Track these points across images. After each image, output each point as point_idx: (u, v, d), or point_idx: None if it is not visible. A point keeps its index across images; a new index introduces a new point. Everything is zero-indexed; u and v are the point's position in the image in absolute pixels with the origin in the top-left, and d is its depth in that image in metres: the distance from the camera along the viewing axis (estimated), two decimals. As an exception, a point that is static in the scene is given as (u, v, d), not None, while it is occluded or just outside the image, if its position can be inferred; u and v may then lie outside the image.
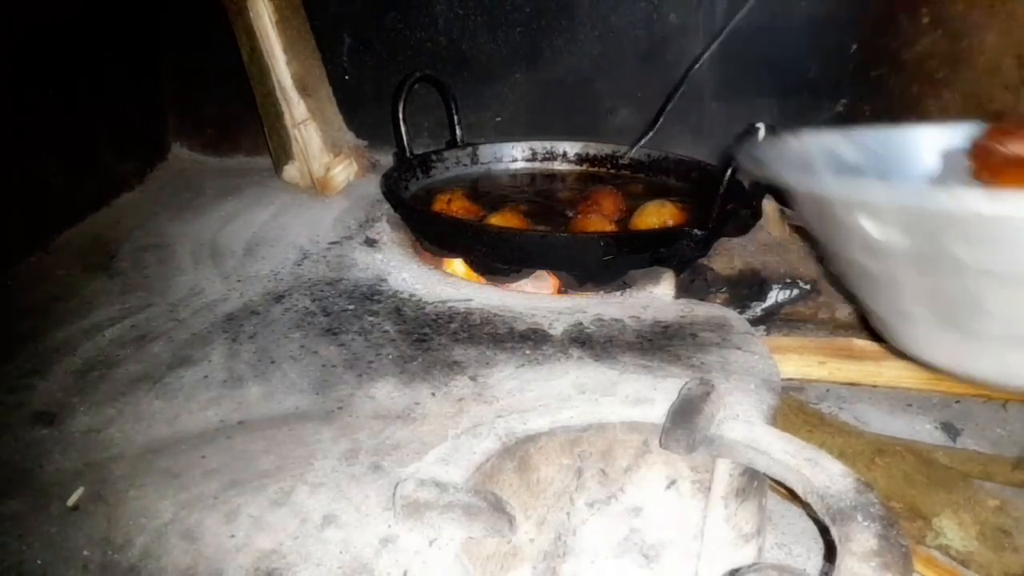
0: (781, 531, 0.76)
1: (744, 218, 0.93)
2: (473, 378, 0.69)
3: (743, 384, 0.67)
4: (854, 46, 1.09)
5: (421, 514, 0.52)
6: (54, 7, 1.02)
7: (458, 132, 1.17)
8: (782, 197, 0.74)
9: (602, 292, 0.89)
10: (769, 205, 1.03)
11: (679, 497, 0.64)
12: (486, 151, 1.18)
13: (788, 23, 1.12)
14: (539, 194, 1.10)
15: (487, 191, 1.12)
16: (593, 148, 1.19)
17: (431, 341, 0.76)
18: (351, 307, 0.83)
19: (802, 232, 0.92)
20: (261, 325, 0.80)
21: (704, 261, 1.01)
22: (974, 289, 0.53)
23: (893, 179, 0.76)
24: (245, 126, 1.32)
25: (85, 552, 0.52)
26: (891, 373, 0.93)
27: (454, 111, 1.16)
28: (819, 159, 0.75)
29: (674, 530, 0.64)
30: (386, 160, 1.17)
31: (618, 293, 0.88)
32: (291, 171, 1.18)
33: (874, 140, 0.80)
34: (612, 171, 1.18)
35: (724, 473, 0.61)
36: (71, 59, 1.07)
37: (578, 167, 1.19)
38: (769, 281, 1.02)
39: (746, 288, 1.02)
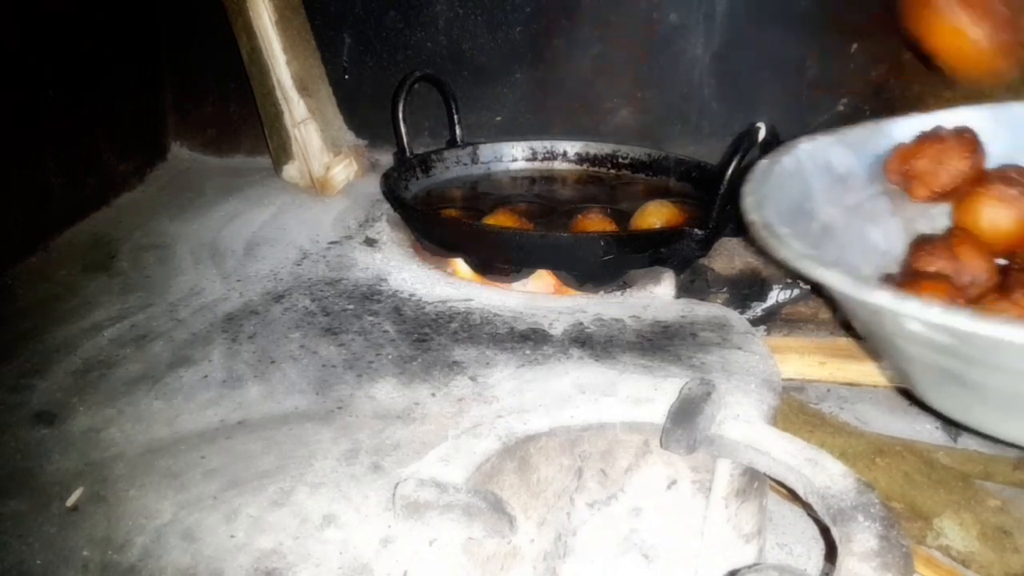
0: (782, 531, 0.76)
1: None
2: (473, 378, 0.69)
3: (744, 384, 0.67)
4: (854, 46, 1.09)
5: (421, 514, 0.52)
6: (54, 7, 1.02)
7: (458, 132, 1.17)
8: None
9: (602, 292, 0.89)
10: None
11: (679, 497, 0.64)
12: (486, 151, 1.18)
13: (788, 23, 1.12)
14: (539, 194, 1.10)
15: (487, 191, 1.12)
16: (593, 148, 1.19)
17: (431, 341, 0.76)
18: (351, 307, 0.83)
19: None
20: (261, 325, 0.80)
21: (704, 261, 1.00)
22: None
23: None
24: (245, 126, 1.31)
25: (85, 552, 0.52)
26: (891, 373, 0.93)
27: (454, 111, 1.16)
28: (815, 179, 0.74)
29: (674, 530, 0.64)
30: (386, 160, 1.17)
31: (618, 293, 0.87)
32: (291, 171, 1.18)
33: (865, 138, 0.80)
34: (612, 171, 1.17)
35: (724, 473, 0.61)
36: (71, 59, 1.07)
37: (578, 167, 1.19)
38: (769, 281, 1.02)
39: (746, 288, 1.02)
